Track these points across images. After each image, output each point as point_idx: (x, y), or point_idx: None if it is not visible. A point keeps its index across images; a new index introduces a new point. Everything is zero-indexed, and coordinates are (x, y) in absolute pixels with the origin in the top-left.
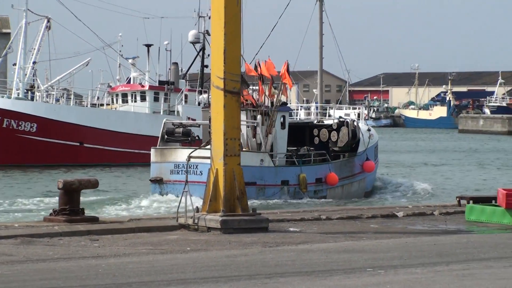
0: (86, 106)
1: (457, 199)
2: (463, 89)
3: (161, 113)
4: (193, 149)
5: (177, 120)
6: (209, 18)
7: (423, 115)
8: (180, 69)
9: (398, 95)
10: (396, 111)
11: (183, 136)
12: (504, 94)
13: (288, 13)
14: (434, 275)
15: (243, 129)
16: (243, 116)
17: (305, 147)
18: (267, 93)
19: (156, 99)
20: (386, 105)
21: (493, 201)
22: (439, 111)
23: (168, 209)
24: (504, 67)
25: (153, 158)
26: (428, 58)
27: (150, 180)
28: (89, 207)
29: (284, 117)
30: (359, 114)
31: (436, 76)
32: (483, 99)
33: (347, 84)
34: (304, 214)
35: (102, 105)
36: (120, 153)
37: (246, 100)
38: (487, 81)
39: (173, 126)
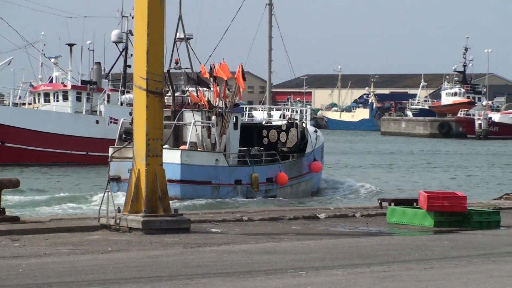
0: (8, 105)
1: (379, 201)
2: (386, 91)
3: (83, 113)
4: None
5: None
6: (133, 18)
7: (346, 117)
8: (102, 68)
9: (321, 97)
10: (319, 112)
11: None
12: (426, 96)
13: (243, 15)
14: (355, 277)
15: (198, 129)
16: (198, 117)
17: (255, 147)
18: (221, 95)
19: (78, 98)
20: (308, 106)
21: (415, 204)
22: (362, 113)
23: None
24: (426, 69)
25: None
26: (351, 60)
27: (108, 178)
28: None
29: (236, 118)
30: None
31: (359, 78)
32: (405, 101)
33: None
34: (226, 215)
35: (24, 104)
36: (42, 152)
37: (201, 101)
38: (410, 83)
39: (130, 126)
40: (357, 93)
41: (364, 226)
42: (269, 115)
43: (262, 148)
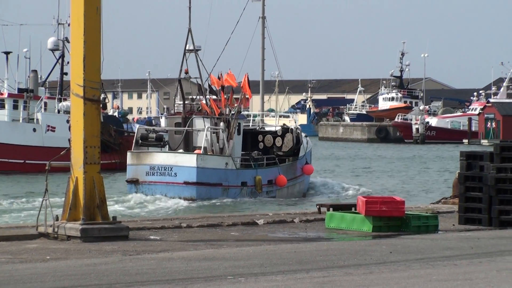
0: None
1: (317, 206)
2: (323, 96)
3: (20, 121)
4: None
5: (149, 127)
6: (69, 25)
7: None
8: (39, 76)
9: (258, 102)
10: (257, 118)
11: (156, 141)
12: (363, 101)
13: (247, 27)
14: (294, 283)
15: (208, 134)
16: (207, 123)
17: (255, 151)
18: (228, 102)
19: (15, 107)
20: (246, 112)
21: (353, 209)
22: (299, 119)
23: (147, 208)
24: (363, 75)
25: (129, 160)
26: (288, 66)
27: (126, 181)
28: None
29: (239, 124)
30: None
31: (296, 84)
32: (343, 106)
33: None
34: (164, 222)
35: None
36: None
37: (211, 109)
38: (347, 88)
39: (146, 132)
40: (294, 98)
41: (303, 231)
42: (263, 121)
43: (260, 152)
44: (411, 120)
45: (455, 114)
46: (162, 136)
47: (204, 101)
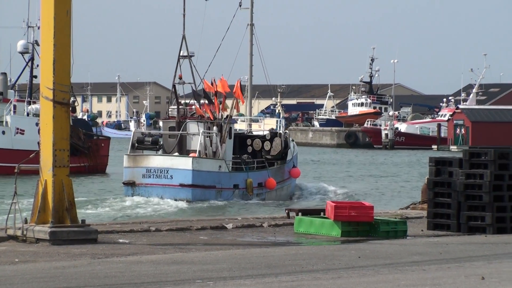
0: None
1: (286, 211)
2: (293, 101)
3: None
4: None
5: (145, 131)
6: (39, 28)
7: (253, 127)
8: (8, 79)
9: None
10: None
11: (152, 144)
12: (333, 107)
13: (238, 34)
14: (263, 287)
15: (202, 138)
16: (201, 128)
17: (245, 155)
18: (221, 107)
19: None
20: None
21: (322, 213)
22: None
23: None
24: (333, 80)
25: (125, 163)
26: (258, 70)
27: (123, 183)
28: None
29: (230, 128)
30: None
31: (266, 89)
32: (312, 111)
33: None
34: (133, 225)
35: None
36: None
37: (206, 113)
38: (316, 94)
39: (142, 136)
40: (264, 103)
41: (272, 236)
42: (250, 126)
43: (250, 156)
44: (381, 125)
45: (424, 120)
46: (157, 139)
47: (198, 106)
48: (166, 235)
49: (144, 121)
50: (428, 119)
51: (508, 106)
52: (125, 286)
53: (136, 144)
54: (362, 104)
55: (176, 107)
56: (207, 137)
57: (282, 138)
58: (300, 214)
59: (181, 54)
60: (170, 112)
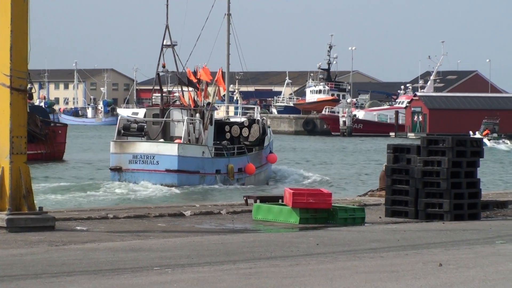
0: None
1: (244, 198)
2: (251, 88)
3: None
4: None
5: (130, 117)
6: None
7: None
8: None
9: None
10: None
11: (138, 131)
12: (291, 94)
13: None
14: (221, 274)
15: (185, 125)
16: (185, 115)
17: (225, 141)
18: (203, 95)
19: None
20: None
21: (280, 201)
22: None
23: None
24: (291, 67)
25: (112, 149)
26: (216, 57)
27: (110, 168)
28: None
29: (211, 115)
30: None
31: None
32: (270, 99)
33: (134, 82)
34: (91, 213)
35: None
36: None
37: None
38: (274, 81)
39: (128, 123)
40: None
41: (230, 223)
42: (227, 113)
43: (229, 142)
44: (338, 113)
45: (382, 107)
46: (143, 126)
47: (181, 94)
48: (124, 222)
49: (101, 108)
50: (386, 106)
51: (466, 94)
52: (82, 274)
53: (122, 131)
54: (320, 91)
55: (159, 95)
56: (190, 123)
57: (260, 124)
58: (258, 201)
59: (164, 43)
60: (153, 100)
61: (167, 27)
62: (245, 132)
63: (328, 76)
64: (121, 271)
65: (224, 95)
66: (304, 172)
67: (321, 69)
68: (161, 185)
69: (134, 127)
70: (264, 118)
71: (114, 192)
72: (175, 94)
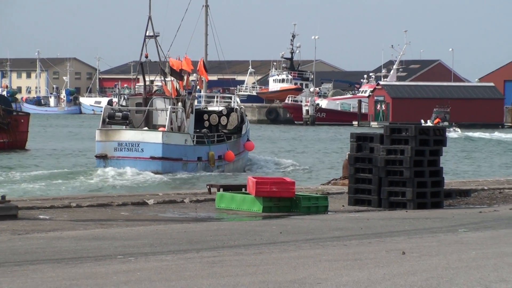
0: None
1: (208, 186)
2: (214, 77)
3: None
4: None
5: (115, 107)
6: None
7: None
8: None
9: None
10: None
11: (123, 120)
12: (254, 83)
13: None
14: (184, 262)
15: (168, 113)
16: (167, 103)
17: (204, 129)
18: (185, 84)
19: None
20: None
21: (243, 189)
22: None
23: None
24: (254, 56)
25: (98, 137)
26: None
27: (95, 156)
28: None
29: (192, 104)
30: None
31: None
32: (233, 88)
33: (97, 71)
34: (54, 201)
35: None
36: None
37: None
38: (238, 70)
39: (113, 111)
40: None
41: (193, 212)
42: (206, 102)
43: (208, 130)
44: (301, 101)
45: (345, 96)
46: (127, 115)
47: (164, 84)
48: (87, 211)
49: (64, 97)
50: (349, 95)
51: (428, 82)
52: (46, 262)
53: (107, 120)
54: (283, 80)
55: (142, 84)
56: (173, 112)
57: (238, 113)
58: (221, 190)
59: (147, 34)
60: (136, 89)
61: (149, 18)
62: (223, 120)
63: (291, 65)
64: (84, 260)
65: (205, 85)
66: (278, 160)
67: (284, 58)
68: (146, 171)
69: (118, 116)
70: (242, 107)
71: (108, 179)
72: (159, 84)
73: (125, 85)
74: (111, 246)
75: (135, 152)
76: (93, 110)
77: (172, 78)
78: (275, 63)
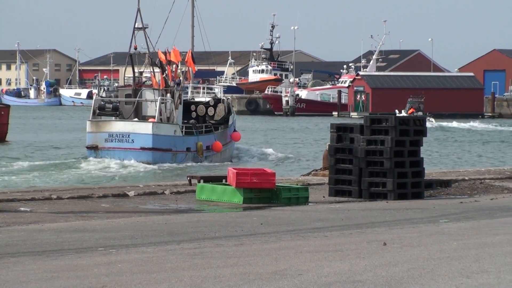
0: None
1: (188, 178)
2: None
3: None
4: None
5: (105, 98)
6: None
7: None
8: None
9: (128, 75)
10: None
11: (113, 111)
12: (234, 74)
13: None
14: (165, 254)
15: (157, 105)
16: (156, 95)
17: (192, 120)
18: (173, 76)
19: None
20: (116, 84)
21: (224, 181)
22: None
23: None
24: (233, 47)
25: (89, 129)
26: (154, 38)
27: (86, 147)
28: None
29: (180, 95)
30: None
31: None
32: (213, 78)
33: (77, 63)
34: (34, 193)
35: None
36: None
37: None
38: (217, 60)
39: (103, 103)
40: None
41: (174, 203)
42: (193, 93)
43: (195, 121)
44: (281, 92)
45: (324, 87)
46: (118, 106)
47: (152, 75)
48: (68, 203)
49: (44, 88)
50: (328, 86)
51: (408, 73)
52: (27, 255)
53: (98, 111)
54: (262, 71)
55: (131, 75)
56: (162, 103)
57: (225, 104)
58: (202, 181)
59: (136, 26)
60: (126, 81)
61: (138, 10)
62: (210, 111)
63: (270, 55)
64: (65, 252)
65: (192, 77)
66: (264, 150)
67: (264, 48)
68: (137, 162)
69: (109, 107)
70: (229, 98)
71: (108, 169)
72: (148, 75)
73: (105, 77)
74: (92, 238)
75: (126, 143)
76: (73, 101)
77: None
78: (254, 54)
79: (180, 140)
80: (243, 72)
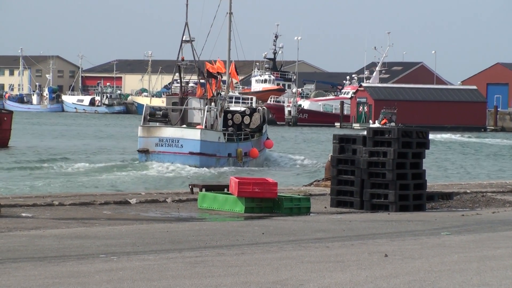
0: None
1: (190, 186)
2: (195, 77)
3: None
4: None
5: (155, 105)
6: None
7: (156, 102)
8: None
9: (131, 82)
10: (129, 98)
11: (163, 117)
12: (237, 83)
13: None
14: (167, 262)
15: (204, 113)
16: (202, 104)
17: (230, 128)
18: (217, 86)
19: None
20: (119, 92)
21: (226, 189)
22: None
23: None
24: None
25: (140, 133)
26: (161, 46)
27: (138, 150)
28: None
29: (223, 104)
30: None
31: (169, 64)
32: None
33: (80, 70)
34: (36, 199)
35: None
36: None
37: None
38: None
39: (153, 110)
40: (167, 78)
41: (176, 211)
42: (229, 102)
43: (234, 129)
44: (284, 102)
45: (327, 98)
46: (167, 113)
47: (199, 84)
48: (70, 209)
49: (47, 95)
50: (331, 97)
51: (411, 85)
52: (28, 260)
53: (148, 117)
54: (265, 81)
55: (178, 85)
56: (207, 111)
57: (260, 113)
58: (203, 189)
59: (183, 39)
60: (173, 90)
61: (186, 24)
62: (246, 120)
63: (273, 65)
64: (66, 258)
65: (227, 87)
66: (292, 156)
67: (267, 58)
68: (185, 165)
69: (159, 114)
70: (265, 108)
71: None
72: (194, 85)
73: (107, 84)
74: (93, 245)
75: (175, 148)
76: (75, 108)
77: (209, 80)
78: (257, 64)
79: (223, 146)
80: (246, 82)
